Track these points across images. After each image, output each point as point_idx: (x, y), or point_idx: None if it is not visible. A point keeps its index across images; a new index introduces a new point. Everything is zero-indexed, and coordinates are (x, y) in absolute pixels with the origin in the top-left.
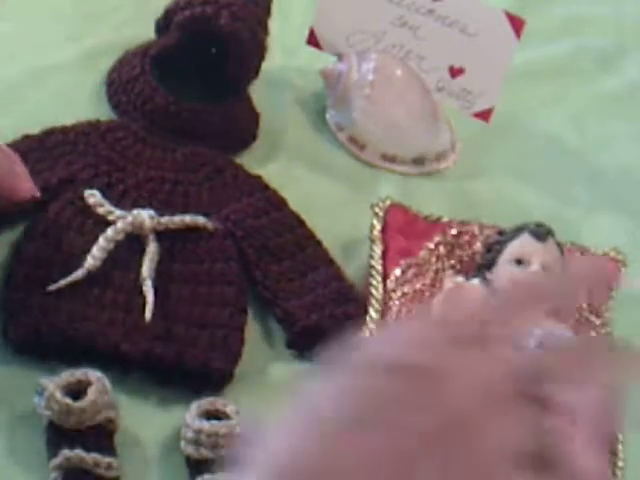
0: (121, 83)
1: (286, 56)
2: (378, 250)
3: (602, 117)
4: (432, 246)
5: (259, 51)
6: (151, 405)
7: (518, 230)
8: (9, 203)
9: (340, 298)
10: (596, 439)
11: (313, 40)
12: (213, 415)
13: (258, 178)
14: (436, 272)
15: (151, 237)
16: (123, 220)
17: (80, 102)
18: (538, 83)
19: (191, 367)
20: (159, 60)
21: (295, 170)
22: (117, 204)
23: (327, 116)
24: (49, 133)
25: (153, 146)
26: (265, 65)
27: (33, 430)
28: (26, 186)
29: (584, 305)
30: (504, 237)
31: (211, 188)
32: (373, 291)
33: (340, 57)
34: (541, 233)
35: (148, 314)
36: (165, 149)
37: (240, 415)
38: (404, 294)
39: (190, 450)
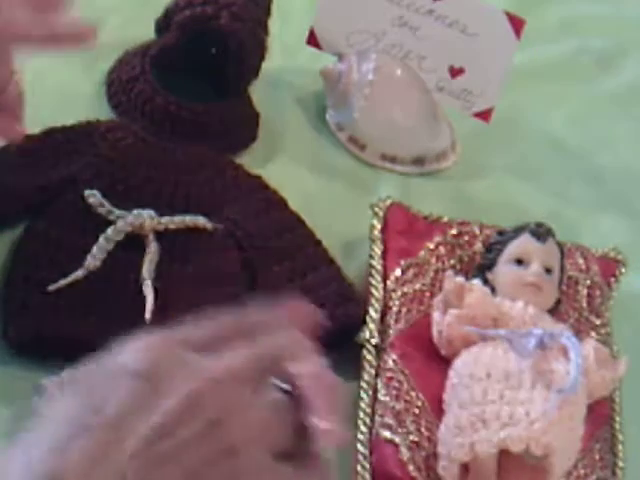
0: (121, 83)
1: (286, 56)
2: (378, 250)
3: (602, 117)
4: (432, 246)
5: (259, 51)
6: None
7: (518, 230)
8: None
9: (340, 298)
10: (332, 403)
11: (313, 40)
12: None
13: (258, 178)
14: (436, 272)
15: (151, 237)
16: (123, 220)
17: (80, 102)
18: (538, 83)
19: None
20: (159, 60)
21: (295, 170)
22: (117, 204)
23: (327, 116)
24: (49, 133)
25: (153, 146)
26: (265, 65)
27: None
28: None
29: (584, 305)
30: (504, 237)
31: (211, 188)
32: (373, 291)
33: (340, 57)
34: (541, 233)
35: (148, 314)
36: (165, 149)
37: None
38: (404, 294)
39: None
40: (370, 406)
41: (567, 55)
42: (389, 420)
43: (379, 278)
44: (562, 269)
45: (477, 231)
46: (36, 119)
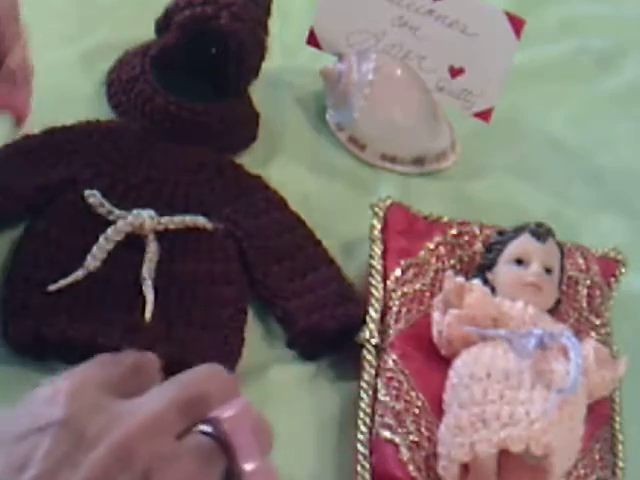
0: (121, 83)
1: (286, 56)
2: (378, 250)
3: (602, 117)
4: (432, 246)
5: (259, 51)
6: None
7: (518, 230)
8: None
9: (340, 298)
10: (258, 443)
11: (313, 40)
12: None
13: (258, 178)
14: (436, 272)
15: (151, 237)
16: (123, 220)
17: (80, 102)
18: (538, 83)
19: (191, 367)
20: (159, 60)
21: (295, 170)
22: (117, 204)
23: (327, 116)
24: (49, 133)
25: (153, 146)
26: (265, 65)
27: None
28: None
29: (584, 305)
30: (504, 237)
31: (211, 188)
32: (373, 291)
33: (340, 57)
34: (541, 233)
35: (148, 314)
36: (165, 149)
37: None
38: (404, 294)
39: None
40: (370, 406)
41: (567, 55)
42: (389, 420)
43: (379, 278)
44: (562, 269)
45: (477, 231)
46: (36, 119)
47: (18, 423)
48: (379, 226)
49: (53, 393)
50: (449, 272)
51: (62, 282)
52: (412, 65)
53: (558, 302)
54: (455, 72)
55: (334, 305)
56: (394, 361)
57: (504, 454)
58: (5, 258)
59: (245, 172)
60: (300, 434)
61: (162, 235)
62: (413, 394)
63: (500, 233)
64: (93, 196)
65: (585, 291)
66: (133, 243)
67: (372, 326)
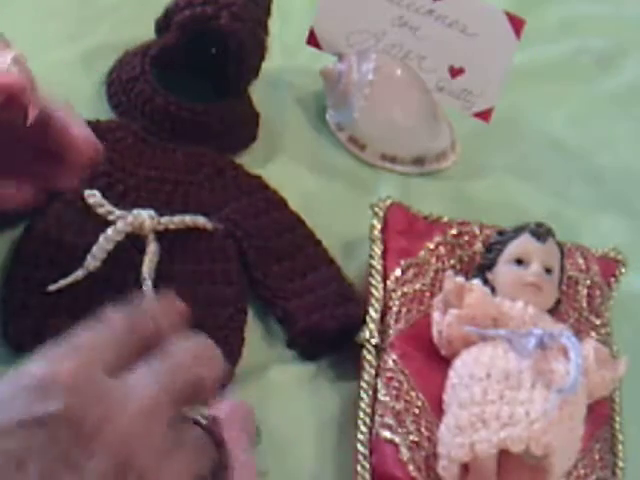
0: (121, 83)
1: (286, 56)
2: (378, 250)
3: (602, 117)
4: (432, 246)
5: (259, 51)
6: None
7: (518, 230)
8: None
9: (340, 298)
10: (245, 434)
11: (313, 40)
12: None
13: (258, 178)
14: (436, 272)
15: (151, 237)
16: (123, 220)
17: (80, 102)
18: (538, 83)
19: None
20: (159, 60)
21: (295, 170)
22: (117, 204)
23: (327, 116)
24: None
25: (153, 146)
26: (265, 65)
27: None
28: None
29: (584, 305)
30: (504, 237)
31: (211, 188)
32: (373, 291)
33: (340, 57)
34: (541, 233)
35: None
36: (165, 149)
37: None
38: (404, 294)
39: None
40: (370, 406)
41: (567, 55)
42: (389, 420)
43: (379, 278)
44: (562, 269)
45: (477, 231)
46: None
47: (9, 408)
48: (379, 226)
49: (50, 379)
50: (449, 272)
51: (62, 282)
52: (412, 65)
53: (558, 302)
54: (455, 72)
55: (334, 305)
56: (394, 361)
57: (504, 454)
58: (5, 258)
59: (245, 172)
60: (300, 434)
61: (162, 235)
62: (413, 394)
63: (500, 233)
64: (93, 196)
65: (585, 291)
66: (133, 243)
67: (372, 326)
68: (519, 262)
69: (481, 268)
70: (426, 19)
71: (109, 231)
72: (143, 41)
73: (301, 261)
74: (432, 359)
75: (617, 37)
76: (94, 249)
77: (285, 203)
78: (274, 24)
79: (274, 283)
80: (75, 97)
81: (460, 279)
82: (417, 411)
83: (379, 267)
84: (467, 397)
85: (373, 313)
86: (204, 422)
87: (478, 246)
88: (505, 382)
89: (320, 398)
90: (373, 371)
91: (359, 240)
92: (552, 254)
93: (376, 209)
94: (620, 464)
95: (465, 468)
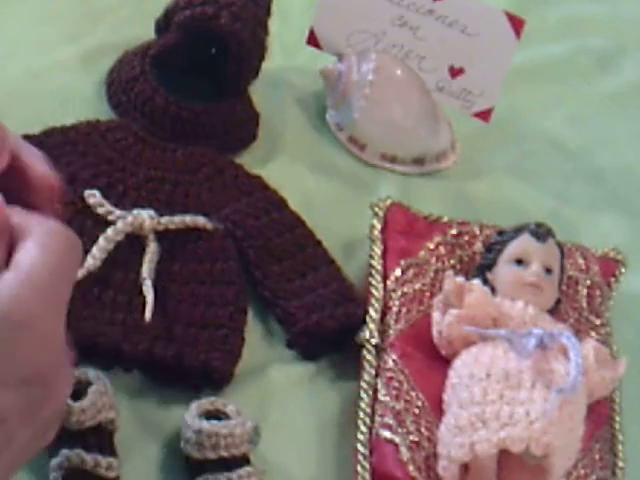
0: (121, 83)
1: (286, 56)
2: (378, 250)
3: (602, 117)
4: (432, 246)
5: (259, 51)
6: (151, 405)
7: (518, 230)
8: None
9: (340, 298)
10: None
11: (313, 40)
12: (213, 415)
13: (258, 178)
14: (436, 272)
15: (151, 237)
16: (123, 220)
17: (80, 102)
18: (538, 83)
19: (191, 367)
20: (159, 60)
21: (295, 170)
22: (117, 204)
23: (327, 116)
24: (49, 133)
25: (153, 146)
26: (265, 65)
27: None
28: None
29: (584, 305)
30: (504, 237)
31: (211, 188)
32: (373, 291)
33: (340, 57)
34: (541, 233)
35: (148, 314)
36: (165, 149)
37: (240, 415)
38: (404, 294)
39: (190, 450)
40: (370, 406)
41: (567, 55)
42: (389, 420)
43: (379, 278)
44: (562, 269)
45: (477, 231)
46: (36, 119)
47: None
48: (379, 226)
49: None
50: (449, 272)
51: None
52: (412, 65)
53: (558, 302)
54: (455, 72)
55: (334, 305)
56: (394, 361)
57: (504, 454)
58: None
59: (245, 172)
60: (300, 434)
61: (162, 235)
62: (413, 394)
63: (500, 233)
64: (93, 196)
65: (585, 291)
66: (133, 243)
67: (372, 326)
68: (519, 262)
69: (481, 268)
70: (426, 19)
71: (109, 231)
72: (143, 41)
73: (301, 261)
74: (432, 359)
75: (617, 37)
76: (94, 249)
77: (285, 203)
78: (274, 24)
79: (274, 283)
80: (75, 97)
81: (460, 279)
82: (417, 411)
83: (379, 267)
84: (467, 397)
85: (373, 313)
86: None
87: (478, 246)
88: (505, 382)
89: (320, 398)
90: (373, 371)
91: (359, 240)
92: (552, 254)
93: (376, 209)
94: (620, 464)
95: (465, 468)
